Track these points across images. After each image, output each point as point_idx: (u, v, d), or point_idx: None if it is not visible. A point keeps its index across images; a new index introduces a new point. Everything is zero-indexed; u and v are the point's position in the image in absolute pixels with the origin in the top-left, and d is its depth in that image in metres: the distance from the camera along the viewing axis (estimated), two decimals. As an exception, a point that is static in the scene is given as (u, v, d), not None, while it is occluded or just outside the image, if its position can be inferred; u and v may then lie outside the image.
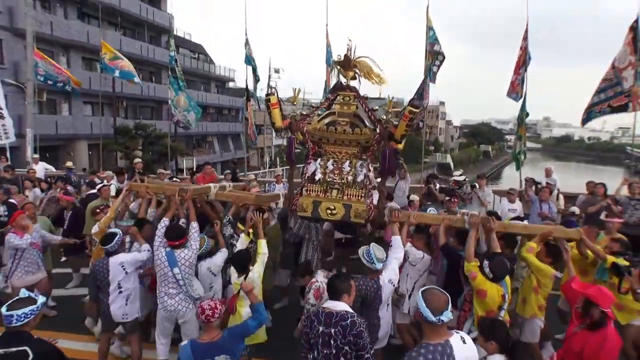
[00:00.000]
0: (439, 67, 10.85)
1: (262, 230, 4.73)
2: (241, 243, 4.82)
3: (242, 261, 4.37)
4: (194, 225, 4.92)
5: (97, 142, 19.07)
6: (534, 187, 8.65)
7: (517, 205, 8.17)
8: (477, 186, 8.80)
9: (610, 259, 4.68)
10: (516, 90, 10.81)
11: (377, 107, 5.06)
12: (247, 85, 15.63)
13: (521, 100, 10.54)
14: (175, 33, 39.42)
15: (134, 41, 33.16)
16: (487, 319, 3.63)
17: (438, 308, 2.95)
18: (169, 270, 4.61)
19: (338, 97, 5.15)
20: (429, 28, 11.04)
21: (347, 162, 5.02)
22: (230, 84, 51.94)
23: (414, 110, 4.50)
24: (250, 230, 4.84)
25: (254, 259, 4.51)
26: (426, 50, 10.93)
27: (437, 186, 8.76)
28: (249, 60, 14.96)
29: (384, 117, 4.84)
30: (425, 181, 9.21)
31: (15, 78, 24.19)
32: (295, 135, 5.01)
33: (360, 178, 5.01)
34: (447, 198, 7.28)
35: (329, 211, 4.99)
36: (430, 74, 11.13)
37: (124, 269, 4.83)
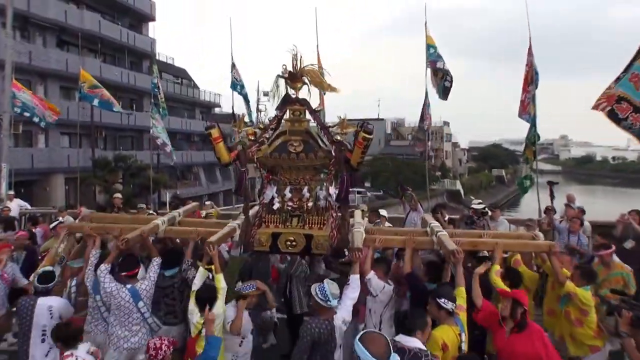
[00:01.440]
0: (451, 83, 10.91)
1: (219, 263, 4.71)
2: (199, 278, 4.73)
3: (206, 297, 4.36)
4: (157, 260, 5.01)
5: (75, 176, 19.08)
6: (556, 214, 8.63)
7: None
8: (489, 214, 8.67)
9: (570, 286, 4.74)
10: (527, 109, 10.73)
11: (330, 124, 4.90)
12: (233, 111, 15.69)
13: (531, 119, 10.85)
14: (157, 58, 38.27)
15: (114, 67, 33.25)
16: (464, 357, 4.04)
17: (381, 354, 2.81)
18: (134, 306, 4.70)
19: (288, 113, 5.00)
20: (430, 46, 11.12)
21: (306, 187, 4.94)
22: (216, 110, 50.78)
23: (367, 137, 4.36)
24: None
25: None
26: (427, 68, 11.04)
27: (446, 217, 8.35)
28: (235, 85, 15.02)
29: (338, 137, 4.66)
30: (432, 211, 8.79)
31: None
32: (246, 168, 4.81)
33: (321, 203, 4.97)
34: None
35: (288, 243, 4.87)
36: (441, 92, 11.15)
37: (50, 315, 4.67)
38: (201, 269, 4.80)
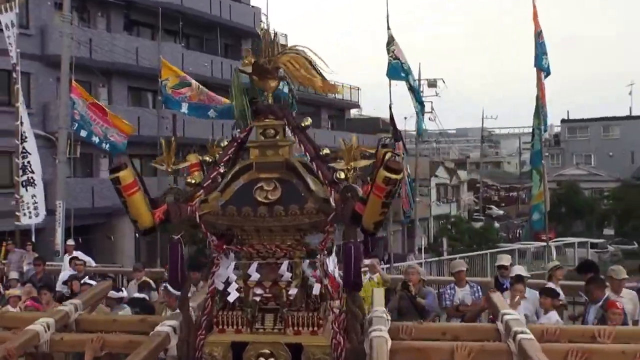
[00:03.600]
0: None
1: None
2: None
3: None
4: None
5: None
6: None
7: None
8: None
9: None
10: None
11: (328, 150, 4.76)
12: (391, 114, 14.95)
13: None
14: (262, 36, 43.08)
15: (202, 55, 33.27)
16: None
17: None
18: None
19: (254, 133, 5.01)
20: None
21: (285, 262, 4.89)
22: (354, 112, 52.09)
23: (392, 177, 4.17)
24: None
25: None
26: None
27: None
28: (395, 70, 14.42)
29: (341, 175, 4.55)
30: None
31: (43, 126, 24.85)
32: (182, 233, 4.88)
33: (314, 289, 4.92)
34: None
35: (262, 360, 4.39)
36: None
37: None
38: None
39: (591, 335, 5.63)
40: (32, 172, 16.52)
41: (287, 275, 4.89)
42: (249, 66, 4.80)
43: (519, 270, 9.68)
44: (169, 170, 4.96)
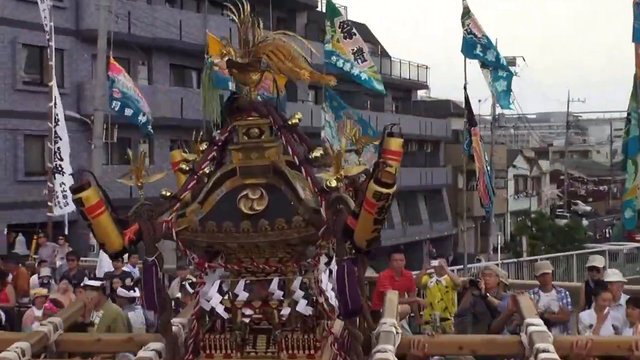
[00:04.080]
0: None
1: None
2: None
3: None
4: None
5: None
6: None
7: None
8: None
9: None
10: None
11: (321, 152, 4.69)
12: (466, 96, 15.39)
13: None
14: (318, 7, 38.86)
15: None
16: None
17: None
18: None
19: (238, 134, 4.96)
20: None
21: (275, 279, 4.86)
22: (421, 94, 52.66)
23: (382, 191, 4.08)
24: None
25: None
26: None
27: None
28: (472, 45, 14.68)
29: (333, 184, 4.43)
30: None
31: (77, 108, 25.90)
32: (160, 254, 4.85)
33: (306, 308, 4.84)
34: None
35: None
36: None
37: None
38: None
39: (628, 347, 5.55)
40: (61, 159, 16.54)
41: (278, 293, 4.81)
42: (227, 57, 4.78)
43: (614, 275, 9.27)
44: (139, 184, 4.87)
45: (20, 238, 23.08)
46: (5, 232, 23.58)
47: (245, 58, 4.61)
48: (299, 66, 4.66)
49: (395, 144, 5.08)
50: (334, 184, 4.35)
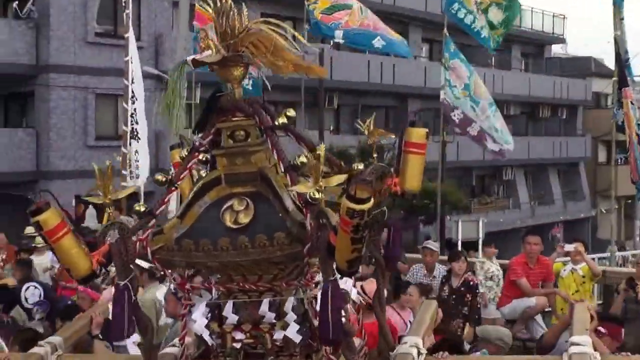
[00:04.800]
0: None
1: None
2: None
3: None
4: None
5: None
6: None
7: None
8: None
9: None
10: None
11: (304, 159, 4.73)
12: (616, 51, 15.48)
13: None
14: None
15: None
16: None
17: None
18: None
19: (222, 137, 5.00)
20: None
21: (266, 300, 4.98)
22: (556, 49, 51.42)
23: (356, 208, 4.07)
24: None
25: None
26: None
27: None
28: None
29: (316, 195, 4.43)
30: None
31: (155, 63, 26.13)
32: (135, 277, 4.91)
33: (295, 335, 4.92)
34: None
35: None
36: None
37: None
38: None
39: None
40: (137, 122, 16.82)
41: (270, 315, 4.85)
42: (208, 51, 4.76)
43: None
44: (107, 201, 4.90)
45: (91, 211, 23.87)
46: (74, 204, 24.16)
47: (225, 52, 4.69)
48: (282, 58, 4.73)
49: (418, 135, 5.12)
50: (317, 195, 4.33)
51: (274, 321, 4.87)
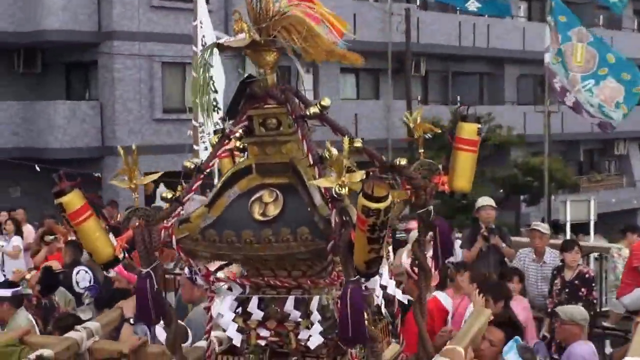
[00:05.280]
0: None
1: None
2: None
3: None
4: None
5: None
6: None
7: None
8: None
9: None
10: None
11: (335, 151, 4.67)
12: None
13: None
14: None
15: None
16: None
17: None
18: None
19: (255, 125, 5.16)
20: None
21: (291, 297, 5.11)
22: None
23: (371, 206, 4.16)
24: None
25: None
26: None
27: None
28: None
29: (342, 191, 4.49)
30: None
31: (225, 28, 25.75)
32: (159, 265, 5.08)
33: (317, 337, 4.97)
34: None
35: None
36: None
37: None
38: None
39: None
40: (216, 90, 16.60)
41: (295, 314, 4.96)
42: (240, 35, 4.87)
43: None
44: (132, 186, 5.07)
45: (161, 189, 24.29)
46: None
47: (257, 36, 4.82)
48: (316, 44, 4.79)
49: (470, 130, 5.15)
50: (342, 191, 4.42)
51: (299, 320, 4.99)
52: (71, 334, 6.95)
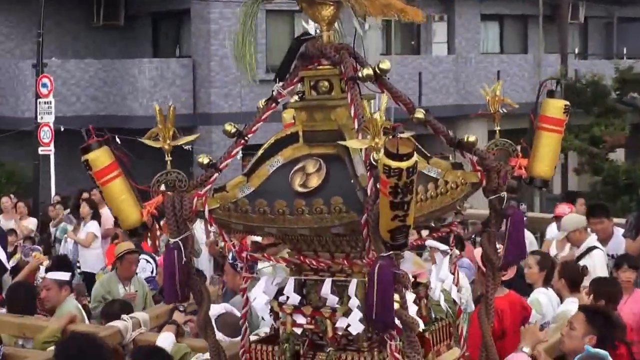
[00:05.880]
0: None
1: None
2: None
3: None
4: None
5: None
6: None
7: None
8: None
9: None
10: None
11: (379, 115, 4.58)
12: None
13: None
14: None
15: None
16: None
17: None
18: None
19: (306, 87, 5.31)
20: None
21: (329, 279, 5.16)
22: None
23: (392, 165, 4.19)
24: None
25: None
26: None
27: None
28: None
29: (378, 157, 4.51)
30: None
31: None
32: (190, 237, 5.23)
33: (357, 324, 5.06)
34: None
35: None
36: None
37: None
38: None
39: None
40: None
41: (333, 299, 4.99)
42: None
43: None
44: (166, 147, 5.19)
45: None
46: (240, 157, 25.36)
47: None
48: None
49: (555, 107, 5.16)
50: (379, 155, 4.40)
51: (337, 306, 5.05)
52: (116, 323, 7.29)
